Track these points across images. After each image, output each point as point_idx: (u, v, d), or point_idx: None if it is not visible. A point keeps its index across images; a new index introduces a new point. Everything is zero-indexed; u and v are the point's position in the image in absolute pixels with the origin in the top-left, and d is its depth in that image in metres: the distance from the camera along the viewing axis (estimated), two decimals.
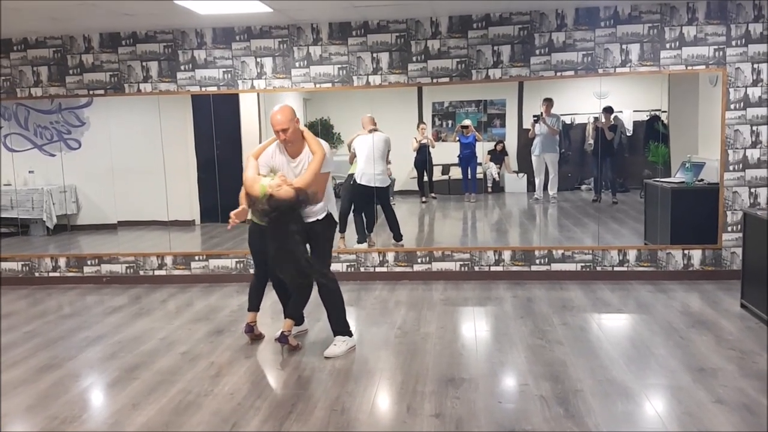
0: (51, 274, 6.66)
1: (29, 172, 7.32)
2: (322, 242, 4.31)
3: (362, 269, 6.31)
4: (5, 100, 6.62)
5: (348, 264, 6.31)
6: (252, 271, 6.31)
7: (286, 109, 4.10)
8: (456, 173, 7.90)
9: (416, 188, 7.82)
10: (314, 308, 4.92)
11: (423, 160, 7.57)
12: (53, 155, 7.24)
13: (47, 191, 7.31)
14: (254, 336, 4.55)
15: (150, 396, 3.66)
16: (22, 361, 4.30)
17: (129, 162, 6.97)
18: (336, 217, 4.41)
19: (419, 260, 6.25)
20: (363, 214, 6.74)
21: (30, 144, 7.26)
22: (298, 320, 4.58)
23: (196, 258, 6.49)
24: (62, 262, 6.66)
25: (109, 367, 4.15)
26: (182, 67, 6.25)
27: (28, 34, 6.34)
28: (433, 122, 7.65)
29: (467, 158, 7.61)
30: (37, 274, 6.68)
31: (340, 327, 4.35)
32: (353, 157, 6.68)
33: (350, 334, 4.37)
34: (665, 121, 6.91)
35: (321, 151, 4.09)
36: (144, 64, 6.30)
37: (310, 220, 4.24)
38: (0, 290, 6.44)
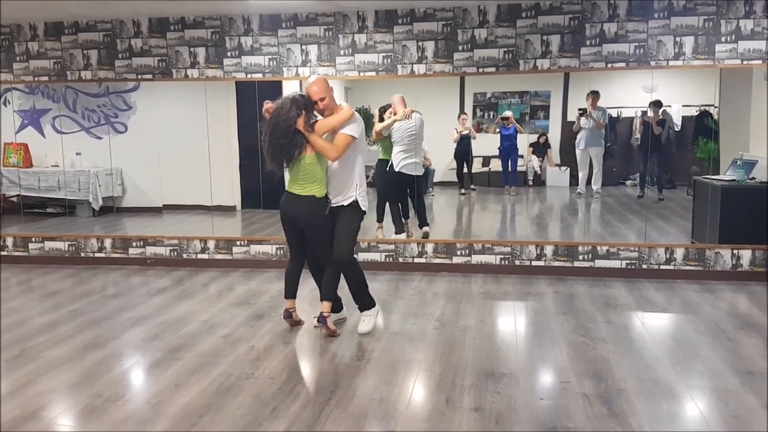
0: (97, 255, 6.81)
1: (76, 154, 7.48)
2: (343, 227, 4.32)
3: (401, 260, 6.29)
4: (55, 82, 6.75)
5: (386, 254, 6.30)
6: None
7: (321, 80, 4.27)
8: (496, 165, 7.81)
9: (455, 179, 7.76)
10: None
11: (463, 151, 7.50)
12: (100, 138, 7.39)
13: (94, 173, 7.45)
14: (293, 322, 4.58)
15: (192, 377, 3.71)
16: (68, 339, 4.40)
17: (174, 147, 7.08)
18: (364, 205, 4.40)
19: (458, 252, 6.21)
20: (399, 203, 6.68)
21: (78, 126, 7.42)
22: (336, 305, 4.60)
23: (238, 243, 6.56)
24: (108, 243, 6.79)
25: (152, 348, 4.22)
26: (229, 54, 6.30)
27: (79, 18, 6.45)
28: (474, 113, 7.56)
29: (507, 150, 7.51)
30: (83, 254, 6.83)
31: (364, 303, 4.53)
32: (378, 137, 6.41)
33: (374, 305, 4.57)
34: (715, 117, 6.72)
35: (349, 110, 4.26)
36: (191, 49, 6.36)
37: (335, 204, 4.33)
38: None
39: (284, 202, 4.36)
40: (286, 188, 4.37)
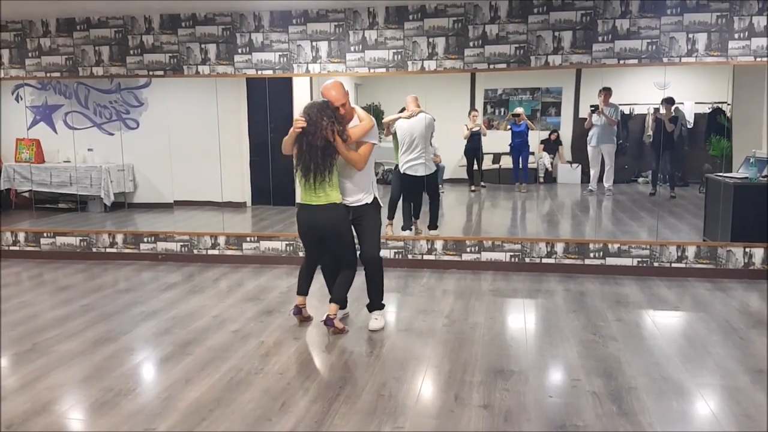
0: (108, 250, 6.84)
1: (88, 150, 7.52)
2: (371, 227, 4.41)
3: (410, 256, 6.29)
4: (67, 78, 6.79)
5: (396, 251, 6.29)
6: (301, 254, 6.38)
7: (339, 84, 4.21)
8: (507, 162, 7.79)
9: (465, 176, 7.74)
10: (361, 294, 4.93)
11: (474, 148, 7.48)
12: (112, 134, 7.42)
13: (105, 169, 7.50)
14: (303, 318, 4.59)
15: (202, 372, 3.73)
16: (79, 334, 4.43)
17: (185, 143, 7.09)
18: (380, 200, 4.49)
19: (468, 249, 6.19)
20: (410, 202, 6.69)
21: (89, 122, 7.46)
22: (344, 303, 4.61)
23: (248, 239, 6.57)
24: (119, 238, 6.82)
25: (162, 342, 4.24)
26: (239, 50, 6.30)
27: (91, 14, 6.48)
28: (485, 110, 7.54)
29: (518, 147, 7.48)
30: (94, 250, 6.87)
31: (378, 303, 4.56)
32: (387, 132, 6.47)
33: (383, 307, 4.62)
34: (728, 114, 6.66)
35: (370, 120, 4.28)
36: (202, 46, 6.37)
37: (358, 204, 4.36)
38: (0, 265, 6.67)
39: (305, 215, 4.30)
40: (301, 201, 4.29)
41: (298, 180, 4.25)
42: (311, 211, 4.25)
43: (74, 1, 5.73)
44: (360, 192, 4.35)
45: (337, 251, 4.39)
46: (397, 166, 6.59)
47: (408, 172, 6.42)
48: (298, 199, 4.37)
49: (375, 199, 4.41)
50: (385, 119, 6.49)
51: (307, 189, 4.22)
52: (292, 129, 4.16)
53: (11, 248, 7.02)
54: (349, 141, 4.17)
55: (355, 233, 4.45)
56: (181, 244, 6.69)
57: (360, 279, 4.52)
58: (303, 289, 4.57)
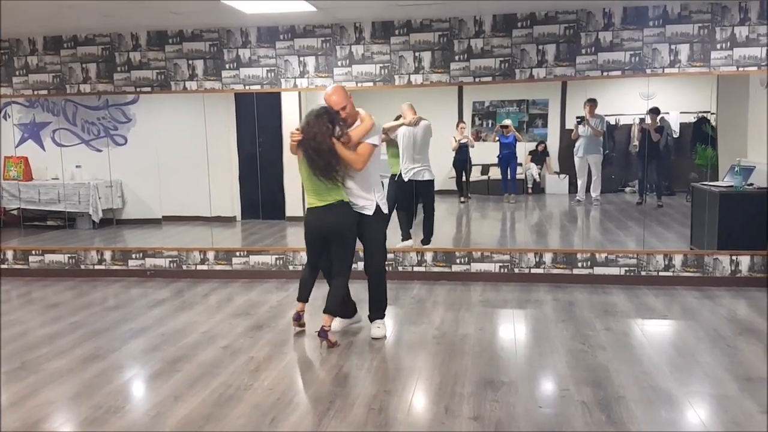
0: (96, 267, 6.81)
1: (76, 166, 7.50)
2: (377, 236, 4.45)
3: (400, 268, 6.30)
4: (54, 96, 6.78)
5: (386, 263, 6.28)
6: (291, 268, 6.38)
7: (339, 88, 4.30)
8: (495, 173, 7.84)
9: (454, 188, 7.77)
10: (360, 306, 4.93)
11: (462, 159, 7.52)
12: (100, 150, 7.41)
13: (94, 186, 7.48)
14: (300, 324, 4.61)
15: (192, 388, 3.71)
16: (68, 351, 4.40)
17: (174, 158, 7.10)
18: (385, 209, 4.50)
19: (458, 261, 6.21)
20: (406, 212, 6.70)
21: (77, 139, 7.45)
22: (350, 311, 4.67)
23: (237, 254, 6.57)
24: (108, 255, 6.80)
25: (152, 359, 4.22)
26: (227, 66, 6.33)
27: (77, 32, 6.49)
28: (473, 122, 7.59)
29: (507, 158, 7.54)
30: (83, 267, 6.84)
31: (381, 312, 4.58)
32: (385, 138, 6.53)
33: (384, 316, 4.63)
34: (713, 124, 6.74)
35: (370, 119, 4.31)
36: (190, 62, 6.39)
37: (360, 211, 4.38)
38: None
39: (314, 218, 4.35)
40: (309, 204, 4.36)
41: (304, 183, 4.33)
42: (319, 212, 4.30)
43: (64, 1, 5.70)
44: (358, 197, 4.36)
45: (340, 256, 4.37)
46: (393, 175, 6.61)
47: (415, 178, 6.47)
48: (306, 204, 4.44)
49: (377, 208, 4.40)
50: (386, 125, 6.48)
51: (312, 192, 4.30)
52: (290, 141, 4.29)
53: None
54: (351, 143, 4.22)
55: (360, 242, 4.48)
56: (170, 259, 6.67)
57: (354, 290, 4.53)
58: (303, 296, 4.58)
